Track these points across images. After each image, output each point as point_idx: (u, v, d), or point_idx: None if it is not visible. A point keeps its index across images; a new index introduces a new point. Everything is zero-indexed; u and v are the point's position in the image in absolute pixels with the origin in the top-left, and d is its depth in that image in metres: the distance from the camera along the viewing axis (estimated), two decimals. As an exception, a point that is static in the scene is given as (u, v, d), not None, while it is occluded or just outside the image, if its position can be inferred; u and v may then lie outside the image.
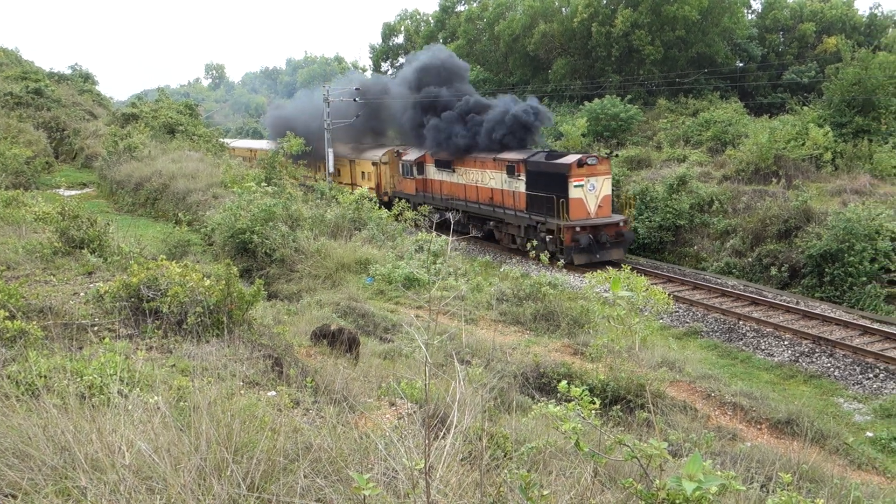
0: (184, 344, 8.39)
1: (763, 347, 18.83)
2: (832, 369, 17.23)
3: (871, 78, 35.50)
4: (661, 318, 20.08)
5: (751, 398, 13.17)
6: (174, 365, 7.70)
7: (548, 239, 26.55)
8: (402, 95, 38.65)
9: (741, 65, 55.09)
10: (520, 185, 28.84)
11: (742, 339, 19.46)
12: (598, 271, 15.97)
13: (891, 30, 53.53)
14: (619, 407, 11.15)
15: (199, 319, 8.89)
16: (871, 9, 65.09)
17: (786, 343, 18.82)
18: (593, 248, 25.78)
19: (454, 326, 14.02)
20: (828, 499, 7.94)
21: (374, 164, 40.01)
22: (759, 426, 12.45)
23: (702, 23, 49.51)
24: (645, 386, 11.11)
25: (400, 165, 38.04)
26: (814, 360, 17.79)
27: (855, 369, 17.05)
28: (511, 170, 29.31)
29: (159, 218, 29.97)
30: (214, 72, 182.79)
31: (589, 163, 26.43)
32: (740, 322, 20.43)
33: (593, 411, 5.21)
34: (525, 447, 6.13)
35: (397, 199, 35.67)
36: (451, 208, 33.00)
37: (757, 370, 17.60)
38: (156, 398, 5.76)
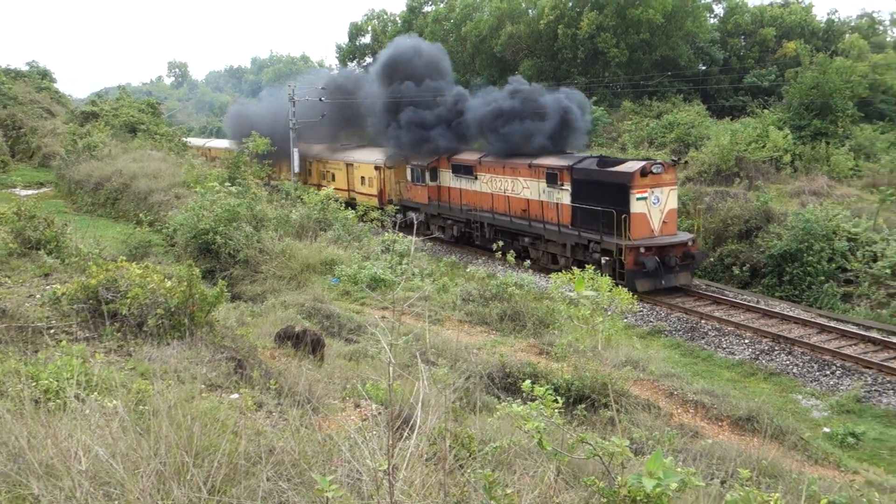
0: (144, 347, 8.27)
1: (724, 346, 19.11)
2: (791, 367, 17.54)
3: (828, 82, 36.29)
4: (626, 318, 20.29)
5: (712, 396, 13.34)
6: (134, 368, 7.58)
7: (603, 261, 22.52)
8: (384, 93, 35.59)
9: (704, 68, 55.90)
10: (563, 196, 25.01)
11: (704, 338, 19.73)
12: (564, 272, 15.49)
13: (847, 35, 54.71)
14: (583, 406, 11.22)
15: (160, 321, 8.76)
16: (828, 14, 66.60)
17: (746, 341, 19.11)
18: (660, 272, 22.01)
19: (420, 327, 14.00)
20: (785, 493, 8.08)
21: (376, 167, 36.22)
22: (720, 423, 12.62)
23: (666, 26, 50.13)
24: (609, 385, 11.20)
25: (409, 170, 33.77)
26: (773, 357, 18.09)
27: (813, 367, 17.37)
28: (552, 178, 25.41)
29: (119, 218, 29.50)
30: (177, 70, 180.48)
31: (654, 171, 22.39)
32: (702, 321, 20.70)
33: (556, 410, 5.24)
34: (489, 447, 6.15)
35: (402, 208, 33.55)
36: (474, 220, 29.57)
37: (718, 368, 17.86)
38: (114, 402, 5.67)
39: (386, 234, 24.21)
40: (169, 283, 9.30)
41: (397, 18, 69.94)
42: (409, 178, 33.84)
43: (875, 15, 58.47)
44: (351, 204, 36.66)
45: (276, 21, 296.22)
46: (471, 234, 30.18)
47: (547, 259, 26.32)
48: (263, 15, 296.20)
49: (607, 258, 22.63)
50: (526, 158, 27.01)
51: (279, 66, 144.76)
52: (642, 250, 22.01)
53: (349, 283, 18.48)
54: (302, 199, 27.63)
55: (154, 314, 8.80)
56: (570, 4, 52.45)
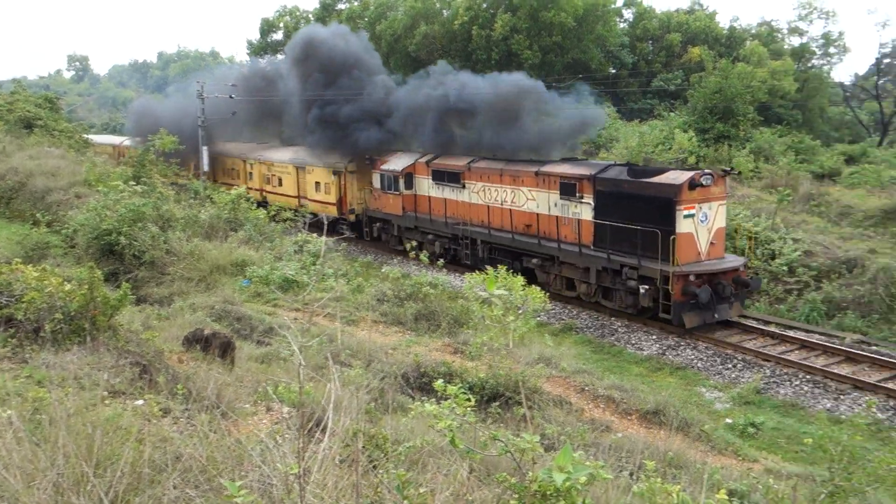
0: (41, 353, 7.88)
1: (633, 342, 19.68)
2: (696, 361, 18.22)
3: (730, 87, 37.91)
4: (539, 316, 20.63)
5: (622, 391, 13.70)
6: (30, 376, 7.22)
7: (642, 290, 19.26)
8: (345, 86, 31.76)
9: (614, 71, 57.42)
10: (583, 211, 21.49)
11: (614, 335, 20.27)
12: (477, 272, 14.57)
13: (748, 42, 57.17)
14: (497, 404, 11.34)
15: (59, 326, 8.37)
16: (731, 22, 69.40)
17: (654, 337, 19.75)
18: (712, 304, 18.71)
19: (333, 328, 13.86)
20: (689, 483, 8.38)
21: (335, 172, 32.40)
22: (629, 417, 12.97)
23: (577, 30, 51.22)
24: (522, 382, 11.36)
25: (378, 176, 29.80)
26: (679, 352, 18.75)
27: (716, 360, 18.09)
28: (569, 189, 21.84)
29: (14, 219, 28.01)
30: (78, 63, 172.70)
31: (703, 183, 18.94)
32: (612, 318, 21.27)
33: (470, 409, 5.27)
34: (403, 447, 6.14)
35: (368, 219, 31.21)
36: (463, 236, 25.76)
37: (628, 364, 18.37)
38: (8, 412, 5.39)
39: (299, 234, 23.87)
40: (68, 287, 8.89)
41: (310, 15, 69.07)
42: (378, 185, 29.85)
43: (773, 23, 61.26)
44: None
45: (184, 15, 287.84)
46: (457, 251, 26.48)
47: (561, 284, 22.64)
48: (170, 8, 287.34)
49: (646, 287, 19.14)
50: (531, 165, 23.69)
51: (187, 61, 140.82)
52: (692, 278, 18.69)
53: (261, 285, 18.13)
54: (212, 198, 26.93)
55: (52, 319, 8.40)
56: (485, 6, 52.98)
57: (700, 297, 18.31)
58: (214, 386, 8.00)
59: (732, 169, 22.24)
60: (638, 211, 19.52)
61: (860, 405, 14.78)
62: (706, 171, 19.47)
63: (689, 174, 19.11)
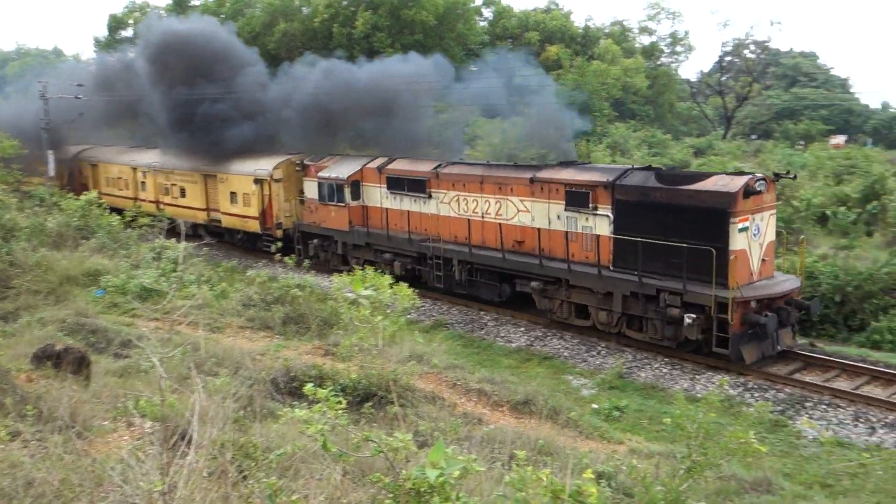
0: None
1: (502, 335, 20.16)
2: (562, 350, 18.88)
3: (587, 84, 39.56)
4: (409, 314, 20.72)
5: (493, 383, 13.98)
6: None
7: (688, 320, 16.26)
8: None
9: (475, 69, 58.41)
10: (597, 224, 18.41)
11: (483, 329, 20.68)
12: (346, 273, 13.82)
13: (602, 41, 59.78)
14: (370, 404, 11.30)
15: None
16: (585, 21, 72.27)
17: (522, 329, 20.31)
18: (774, 334, 16.29)
19: (197, 336, 13.35)
20: (559, 469, 8.66)
21: (257, 180, 28.15)
22: (501, 408, 13.26)
23: (438, 28, 51.77)
24: (395, 380, 11.37)
25: (315, 185, 26.01)
26: (546, 342, 19.38)
27: (581, 348, 18.82)
28: (578, 199, 18.68)
29: None
30: None
31: (758, 190, 16.23)
32: (481, 313, 21.69)
33: (341, 411, 5.22)
34: (274, 454, 6.00)
35: (298, 237, 27.16)
36: (434, 255, 22.06)
37: (498, 356, 18.78)
38: None
39: (157, 240, 22.83)
40: None
41: (162, 12, 66.19)
42: (314, 194, 26.14)
43: (625, 23, 64.40)
44: (216, 230, 30.93)
45: (23, 11, 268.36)
46: (421, 272, 23.04)
47: (568, 311, 19.41)
48: (7, 3, 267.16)
49: (694, 316, 16.24)
50: (522, 170, 20.56)
51: (28, 59, 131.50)
52: (752, 304, 16.09)
53: (117, 295, 17.20)
54: (59, 205, 25.29)
55: None
56: (345, 3, 52.60)
57: (767, 328, 15.81)
58: (68, 404, 7.54)
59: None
60: (674, 224, 16.60)
61: (713, 384, 15.75)
62: (758, 175, 16.76)
63: (743, 179, 16.22)
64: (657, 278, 16.89)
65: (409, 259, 23.20)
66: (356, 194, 24.71)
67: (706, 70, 70.72)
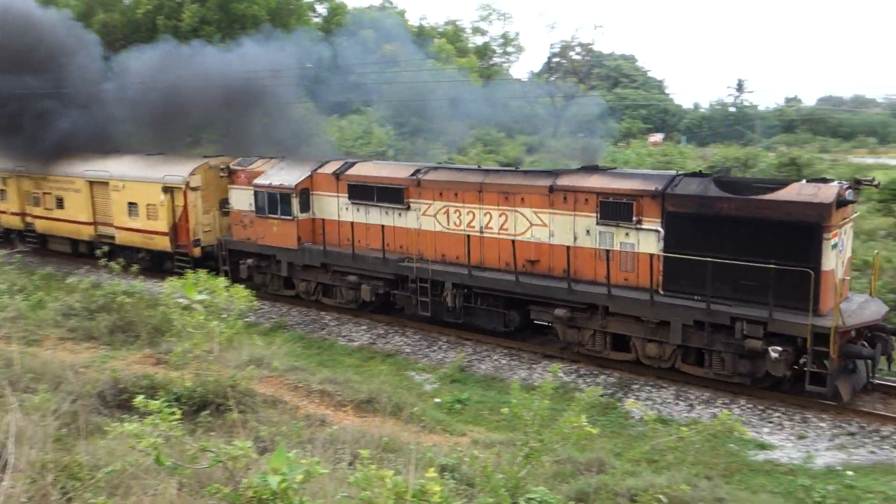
0: None
1: (344, 334, 20.05)
2: (404, 346, 19.04)
3: (423, 82, 40.04)
4: (247, 317, 20.13)
5: (336, 383, 13.86)
6: None
7: (775, 354, 14.00)
8: None
9: (310, 66, 57.63)
10: (642, 241, 15.92)
11: (325, 329, 20.48)
12: (175, 277, 13.35)
13: (436, 40, 60.73)
14: (207, 412, 10.86)
15: None
16: (420, 20, 73.24)
17: (364, 328, 20.29)
18: (871, 365, 14.75)
19: (10, 351, 12.28)
20: (404, 465, 8.72)
21: (166, 189, 24.16)
22: (344, 408, 13.16)
23: (271, 23, 50.59)
24: (233, 386, 10.99)
25: (250, 195, 21.95)
26: (389, 340, 19.47)
27: (423, 344, 19.08)
28: (617, 210, 16.14)
29: None
30: None
31: (850, 199, 14.31)
32: (322, 312, 21.45)
33: (175, 422, 4.98)
34: (102, 473, 5.64)
35: (224, 256, 22.91)
36: (421, 278, 18.84)
37: (340, 356, 18.66)
38: None
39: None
40: None
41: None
42: (247, 206, 22.16)
43: (458, 23, 65.87)
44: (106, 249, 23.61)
45: None
46: (395, 297, 19.93)
47: (601, 343, 16.72)
48: None
49: (780, 349, 14.03)
50: (535, 177, 17.67)
51: None
52: (852, 333, 14.24)
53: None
54: None
55: None
56: (170, -7, 50.25)
57: (875, 360, 14.46)
58: None
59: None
60: (748, 241, 14.44)
61: (549, 372, 16.44)
62: (846, 183, 14.62)
63: (833, 188, 14.06)
64: (727, 304, 14.65)
65: (381, 282, 19.95)
66: (305, 205, 21.14)
67: (536, 70, 73.92)
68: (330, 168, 20.99)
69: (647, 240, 15.83)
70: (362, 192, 20.09)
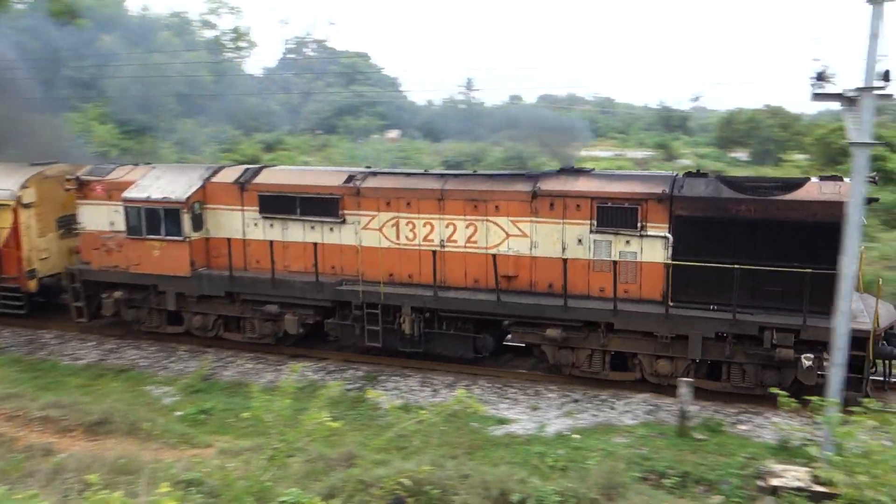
0: None
1: (68, 352, 18.44)
2: (140, 360, 17.88)
3: (149, 77, 37.68)
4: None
5: (61, 407, 12.76)
6: None
7: (807, 362, 13.37)
8: None
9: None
10: (645, 249, 14.65)
11: (45, 349, 18.63)
12: None
13: (161, 32, 57.37)
14: None
15: None
16: (141, 10, 68.70)
17: (91, 344, 18.83)
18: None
19: None
20: (146, 485, 8.20)
21: None
22: (72, 433, 12.13)
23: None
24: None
25: (120, 211, 17.88)
26: (121, 354, 18.20)
27: (161, 355, 18.05)
28: (617, 216, 14.72)
29: None
30: None
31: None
32: (40, 332, 19.48)
33: None
34: None
35: (77, 289, 18.59)
36: (369, 304, 16.25)
37: (65, 377, 17.06)
38: None
39: None
40: None
41: None
42: (111, 225, 18.28)
43: (185, 15, 62.71)
44: None
45: None
46: (332, 327, 17.03)
47: (601, 363, 15.16)
48: None
49: (813, 356, 13.35)
50: (515, 182, 15.65)
51: None
52: (882, 336, 13.54)
53: None
54: None
55: None
56: None
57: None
58: None
59: (875, 174, 14.10)
60: (767, 245, 13.73)
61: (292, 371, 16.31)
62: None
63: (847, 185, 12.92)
64: (749, 312, 13.81)
65: (311, 311, 17.02)
66: (198, 223, 17.64)
67: (271, 66, 72.66)
68: (229, 176, 17.76)
69: (651, 247, 14.66)
70: (279, 205, 17.07)
